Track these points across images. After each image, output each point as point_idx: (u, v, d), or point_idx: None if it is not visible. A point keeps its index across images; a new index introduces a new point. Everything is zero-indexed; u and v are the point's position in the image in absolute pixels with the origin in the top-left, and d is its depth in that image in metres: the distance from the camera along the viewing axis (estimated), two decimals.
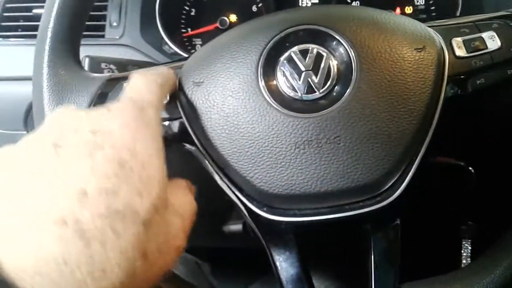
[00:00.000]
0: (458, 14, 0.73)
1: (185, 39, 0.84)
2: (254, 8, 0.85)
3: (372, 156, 0.40)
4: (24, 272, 0.26)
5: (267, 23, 0.45)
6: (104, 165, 0.29)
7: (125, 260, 0.27)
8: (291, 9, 0.48)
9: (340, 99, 0.41)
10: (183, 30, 0.84)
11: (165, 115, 0.46)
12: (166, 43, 0.76)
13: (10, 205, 0.27)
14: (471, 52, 0.44)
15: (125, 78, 0.45)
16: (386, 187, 0.41)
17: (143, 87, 0.37)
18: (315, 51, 0.42)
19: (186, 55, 0.76)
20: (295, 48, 0.43)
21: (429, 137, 0.42)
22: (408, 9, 0.81)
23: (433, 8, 0.80)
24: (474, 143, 0.56)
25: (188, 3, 0.85)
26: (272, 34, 0.43)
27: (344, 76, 0.42)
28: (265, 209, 0.43)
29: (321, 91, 0.41)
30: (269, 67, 0.42)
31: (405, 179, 0.41)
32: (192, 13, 0.85)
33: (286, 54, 0.43)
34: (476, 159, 0.57)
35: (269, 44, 0.43)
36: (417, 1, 0.81)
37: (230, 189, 0.43)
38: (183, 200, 0.37)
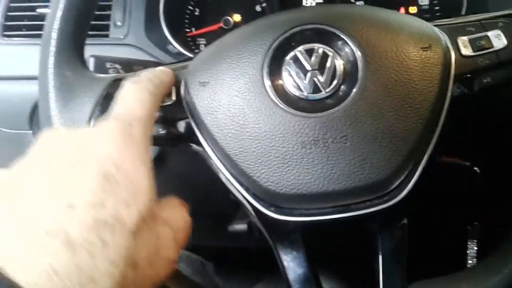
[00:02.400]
0: (463, 13, 0.72)
1: (189, 39, 0.84)
2: (258, 8, 0.84)
3: (379, 155, 0.40)
4: (17, 285, 0.26)
5: (272, 23, 0.45)
6: (91, 179, 0.30)
7: (114, 269, 0.28)
8: (296, 9, 0.48)
9: (346, 98, 0.41)
10: (187, 30, 0.84)
11: (172, 115, 0.46)
12: (170, 43, 0.76)
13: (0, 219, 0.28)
14: (477, 51, 0.44)
15: None
16: (393, 186, 0.41)
17: (132, 100, 0.38)
18: (320, 50, 0.42)
19: (190, 55, 0.76)
20: (301, 48, 0.43)
21: (436, 136, 0.42)
22: (413, 9, 0.81)
23: (437, 8, 0.80)
24: (481, 143, 0.56)
25: (192, 3, 0.85)
26: (278, 33, 0.43)
27: (350, 75, 0.42)
28: (272, 209, 0.43)
29: (327, 90, 0.41)
30: (274, 66, 0.42)
31: (412, 178, 0.41)
32: (196, 13, 0.85)
33: (292, 54, 0.43)
34: (482, 159, 0.57)
35: (275, 44, 0.43)
36: (421, 1, 0.81)
37: (237, 189, 0.43)
38: (175, 214, 0.37)
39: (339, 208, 0.42)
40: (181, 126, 0.46)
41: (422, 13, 0.81)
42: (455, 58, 0.44)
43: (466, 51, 0.45)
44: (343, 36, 0.42)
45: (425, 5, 0.81)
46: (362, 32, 0.42)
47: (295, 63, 0.42)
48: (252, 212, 0.43)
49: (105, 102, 0.45)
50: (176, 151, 0.46)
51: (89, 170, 0.30)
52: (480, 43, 0.45)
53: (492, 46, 0.44)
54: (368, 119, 0.40)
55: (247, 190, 0.43)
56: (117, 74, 0.49)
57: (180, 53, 0.76)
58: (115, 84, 0.46)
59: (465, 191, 0.60)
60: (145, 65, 0.59)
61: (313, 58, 0.42)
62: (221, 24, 0.83)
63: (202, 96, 0.43)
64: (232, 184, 0.43)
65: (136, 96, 0.38)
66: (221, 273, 0.88)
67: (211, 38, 0.84)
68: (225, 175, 0.43)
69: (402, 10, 0.81)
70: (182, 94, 0.45)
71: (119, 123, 0.34)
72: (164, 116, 0.44)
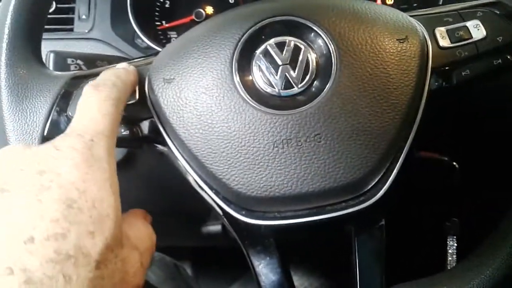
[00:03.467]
0: (440, 3, 0.71)
1: (160, 32, 0.81)
2: (231, 0, 0.82)
3: (355, 154, 0.38)
4: None
5: (241, 14, 0.43)
6: (52, 208, 0.28)
7: None
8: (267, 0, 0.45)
9: (320, 94, 0.39)
10: (157, 23, 0.81)
11: (135, 114, 0.43)
12: (139, 37, 0.72)
13: None
14: (455, 42, 0.43)
15: (91, 76, 0.43)
16: (370, 186, 0.39)
17: (93, 111, 0.35)
18: (292, 44, 0.40)
19: (159, 49, 0.73)
20: (271, 41, 0.40)
21: (414, 132, 0.40)
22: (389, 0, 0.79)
23: None
24: (459, 136, 0.54)
25: None
26: (247, 26, 0.41)
27: (323, 70, 0.39)
28: (243, 212, 0.40)
29: (299, 86, 0.39)
30: (244, 61, 0.40)
31: (389, 177, 0.39)
32: (167, 5, 0.82)
33: (262, 48, 0.40)
34: (460, 153, 0.55)
35: (244, 37, 0.40)
36: None
37: (206, 192, 0.41)
38: (141, 232, 0.36)
39: (313, 210, 0.40)
40: (145, 126, 0.44)
41: (399, 4, 0.79)
42: (433, 50, 0.42)
43: (444, 42, 0.43)
44: (315, 28, 0.40)
45: None
46: (335, 24, 0.40)
47: (265, 58, 0.40)
48: (223, 216, 0.41)
49: (62, 101, 0.42)
50: (141, 151, 0.43)
51: (50, 198, 0.28)
52: (458, 34, 0.43)
53: (471, 37, 0.43)
54: (343, 116, 0.38)
55: (216, 193, 0.41)
56: (76, 71, 0.45)
57: (149, 47, 0.72)
58: (75, 82, 0.43)
59: (443, 187, 0.59)
60: (110, 60, 0.56)
61: (284, 52, 0.40)
62: (193, 17, 0.80)
63: (167, 94, 0.41)
64: (201, 187, 0.41)
65: (97, 106, 0.35)
66: (198, 273, 0.86)
67: (182, 31, 0.80)
68: (193, 177, 0.41)
69: (379, 0, 0.79)
70: (146, 92, 0.42)
71: (80, 140, 0.32)
72: (127, 116, 0.41)
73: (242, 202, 0.40)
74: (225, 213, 0.41)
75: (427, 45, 0.42)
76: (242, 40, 0.40)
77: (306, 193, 0.38)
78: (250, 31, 0.40)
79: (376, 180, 0.39)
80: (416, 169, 0.47)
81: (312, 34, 0.40)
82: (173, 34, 0.81)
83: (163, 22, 0.81)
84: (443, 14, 0.45)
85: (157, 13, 0.81)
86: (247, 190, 0.39)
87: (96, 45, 0.70)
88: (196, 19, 0.80)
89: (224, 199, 0.41)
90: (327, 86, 0.38)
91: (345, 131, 0.38)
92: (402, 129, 0.39)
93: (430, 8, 0.47)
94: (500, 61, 0.42)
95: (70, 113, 0.41)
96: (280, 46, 0.40)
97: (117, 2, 0.73)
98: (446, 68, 0.42)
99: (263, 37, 0.41)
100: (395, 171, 0.40)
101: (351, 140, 0.38)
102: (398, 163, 0.40)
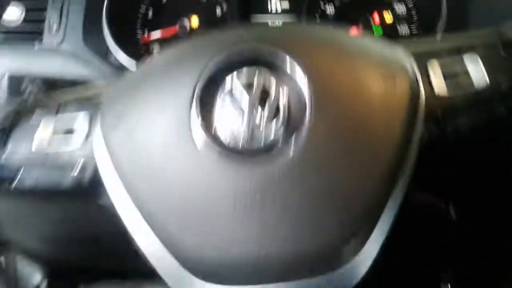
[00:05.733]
0: (441, 24, 0.65)
1: (140, 46, 0.75)
2: (218, 12, 0.76)
3: (329, 218, 0.33)
4: None
5: (202, 46, 0.37)
6: None
7: None
8: (234, 28, 0.40)
9: (291, 145, 0.33)
10: (138, 36, 0.75)
11: (74, 155, 0.38)
12: (114, 51, 0.67)
13: None
14: (452, 85, 0.37)
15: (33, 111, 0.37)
16: (348, 260, 0.33)
17: None
18: (261, 82, 0.35)
19: (133, 68, 0.67)
20: (237, 79, 0.35)
21: (401, 191, 0.35)
22: (388, 18, 0.73)
23: (415, 18, 0.72)
24: (454, 182, 0.48)
25: (143, 5, 0.76)
26: (209, 58, 0.35)
27: (296, 115, 0.34)
28: (200, 276, 0.35)
29: (266, 136, 0.33)
30: (204, 103, 0.35)
31: (372, 253, 0.33)
32: (149, 16, 0.76)
33: (226, 87, 0.35)
34: (455, 198, 0.50)
35: (206, 72, 0.35)
36: (398, 10, 0.73)
37: (152, 252, 0.35)
38: None
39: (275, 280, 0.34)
40: (85, 169, 0.38)
41: (399, 21, 0.73)
42: (425, 93, 0.36)
43: (439, 84, 0.37)
44: (288, 64, 0.35)
45: (402, 14, 0.73)
46: (311, 59, 0.35)
47: (229, 99, 0.34)
48: (172, 281, 0.35)
49: None
50: (68, 201, 0.38)
51: None
52: (455, 75, 0.37)
53: (470, 80, 0.37)
54: (316, 173, 0.33)
55: (165, 253, 0.35)
56: (15, 107, 0.40)
57: (122, 66, 0.66)
58: (14, 117, 0.38)
59: (436, 232, 0.53)
60: (73, 83, 0.51)
61: (251, 93, 0.34)
62: (177, 29, 0.74)
63: (115, 134, 0.36)
64: (146, 245, 0.35)
65: None
66: None
67: (167, 45, 0.75)
68: (137, 235, 0.35)
69: (377, 18, 0.73)
70: (91, 131, 0.37)
71: None
72: (63, 160, 0.36)
73: (196, 265, 0.35)
74: (176, 276, 0.35)
75: (418, 88, 0.36)
76: (203, 75, 0.35)
77: (270, 263, 0.33)
78: (213, 64, 0.35)
79: (355, 252, 0.33)
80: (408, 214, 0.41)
81: (285, 70, 0.35)
82: (155, 48, 0.76)
83: (145, 34, 0.75)
84: (438, 50, 0.39)
85: (138, 25, 0.75)
86: (201, 252, 0.33)
87: (66, 61, 0.64)
88: (180, 33, 0.74)
89: (176, 260, 0.35)
90: (299, 137, 0.33)
91: (319, 190, 0.33)
92: (386, 187, 0.34)
93: (422, 39, 0.41)
94: (503, 109, 0.36)
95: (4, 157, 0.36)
96: (248, 84, 0.35)
97: (92, 12, 0.67)
98: (440, 115, 0.37)
99: (227, 74, 0.35)
100: (379, 240, 0.34)
101: (325, 202, 0.33)
102: (381, 229, 0.34)
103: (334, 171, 0.33)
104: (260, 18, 0.75)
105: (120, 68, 0.66)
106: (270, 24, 0.75)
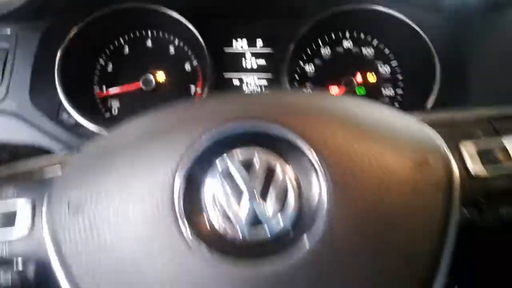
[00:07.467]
0: (436, 86, 0.60)
1: (99, 101, 0.66)
2: (187, 67, 0.68)
3: None
4: None
5: (191, 116, 0.30)
6: None
7: None
8: (227, 95, 0.32)
9: (300, 242, 0.26)
10: (96, 89, 0.66)
11: (20, 251, 0.29)
12: (65, 110, 0.57)
13: None
14: (490, 167, 0.31)
15: None
16: None
17: None
18: (264, 161, 0.27)
19: (90, 127, 0.58)
20: (235, 158, 0.28)
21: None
22: (371, 77, 0.68)
23: (400, 78, 0.67)
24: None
25: (103, 56, 0.67)
26: (197, 133, 0.28)
27: (306, 206, 0.27)
28: None
29: (271, 228, 0.26)
30: (192, 188, 0.28)
31: None
32: (109, 69, 0.67)
33: (221, 168, 0.28)
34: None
35: (193, 150, 0.27)
36: (382, 69, 0.68)
37: None
38: None
39: None
40: (33, 269, 0.30)
41: (383, 81, 0.68)
42: (461, 176, 0.30)
43: (475, 166, 0.31)
44: (295, 141, 0.27)
45: (386, 73, 0.68)
46: (322, 136, 0.28)
47: (225, 182, 0.28)
48: None
49: None
50: None
51: None
52: (493, 156, 0.31)
53: (510, 160, 0.31)
54: (333, 277, 0.26)
55: None
56: None
57: (77, 125, 0.57)
58: None
59: None
60: (13, 151, 0.41)
61: (252, 174, 0.27)
62: (140, 84, 0.66)
63: (73, 227, 0.28)
64: None
65: None
66: None
67: (126, 100, 0.66)
68: None
69: (360, 78, 0.68)
70: (41, 221, 0.29)
71: None
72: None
73: None
74: None
75: (452, 170, 0.29)
76: (190, 153, 0.27)
77: None
78: (202, 139, 0.28)
79: None
80: None
81: (291, 148, 0.28)
82: (114, 103, 0.67)
83: (103, 88, 0.67)
84: (469, 122, 0.33)
85: (96, 77, 0.67)
86: None
87: (9, 121, 0.53)
88: (143, 87, 0.66)
89: None
90: (312, 231, 0.25)
91: None
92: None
93: (446, 111, 0.35)
94: None
95: None
96: (246, 163, 0.27)
97: (42, 64, 0.58)
98: (478, 201, 0.30)
99: (221, 150, 0.28)
100: None
101: None
102: None
103: (355, 274, 0.25)
104: (233, 75, 0.69)
105: (74, 128, 0.56)
106: (244, 81, 0.68)
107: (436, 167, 0.29)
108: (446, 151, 0.30)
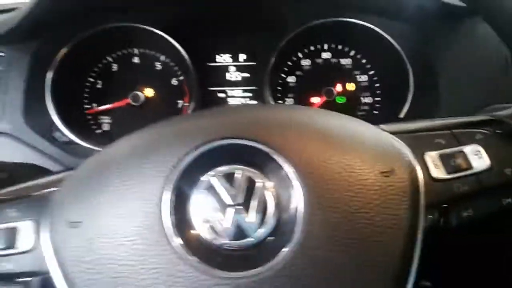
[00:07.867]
0: (410, 96, 0.63)
1: (89, 117, 0.69)
2: (174, 81, 0.71)
3: None
4: None
5: (175, 134, 0.32)
6: None
7: None
8: (209, 112, 0.35)
9: (281, 249, 0.29)
10: (87, 106, 0.69)
11: (21, 268, 0.31)
12: (58, 129, 0.59)
13: None
14: (452, 173, 0.34)
15: None
16: None
17: None
18: (245, 177, 0.30)
19: (82, 143, 0.60)
20: (218, 173, 0.30)
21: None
22: (351, 86, 0.71)
23: (377, 86, 0.71)
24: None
25: (92, 74, 0.70)
26: (183, 151, 0.31)
27: (285, 214, 0.30)
28: None
29: (254, 236, 0.29)
30: (179, 202, 0.30)
31: None
32: (98, 85, 0.70)
33: (205, 184, 0.30)
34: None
35: (180, 166, 0.30)
36: (360, 78, 0.71)
37: None
38: None
39: None
40: (35, 285, 0.32)
41: (361, 90, 0.71)
42: (425, 182, 0.33)
43: (438, 172, 0.34)
44: (273, 156, 0.30)
45: (364, 81, 0.71)
46: (298, 150, 0.31)
47: (209, 196, 0.30)
48: None
49: None
50: None
51: None
52: (454, 162, 0.34)
53: (470, 167, 0.34)
54: (311, 280, 0.28)
55: None
56: None
57: (70, 142, 0.59)
58: None
59: None
60: (11, 171, 0.44)
61: (235, 187, 0.30)
62: (129, 100, 0.68)
63: (71, 243, 0.30)
64: None
65: None
66: None
67: (116, 116, 0.69)
68: None
69: (340, 86, 0.71)
70: (41, 238, 0.31)
71: None
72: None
73: None
74: None
75: (417, 178, 0.32)
76: (177, 169, 0.30)
77: None
78: (188, 158, 0.30)
79: None
80: None
81: (269, 163, 0.31)
82: (105, 119, 0.69)
83: (93, 105, 0.69)
84: (433, 133, 0.36)
85: (86, 95, 0.69)
86: None
87: (5, 142, 0.56)
88: (133, 103, 0.68)
89: None
90: (290, 238, 0.28)
91: None
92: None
93: (410, 122, 0.38)
94: (510, 200, 0.33)
95: None
96: (229, 178, 0.30)
97: (33, 84, 0.60)
98: (442, 205, 0.33)
99: (205, 167, 0.30)
100: None
101: None
102: None
103: (332, 275, 0.28)
104: (218, 88, 0.72)
105: (67, 146, 0.59)
106: (229, 94, 0.71)
107: (401, 174, 0.32)
108: (412, 159, 0.33)
